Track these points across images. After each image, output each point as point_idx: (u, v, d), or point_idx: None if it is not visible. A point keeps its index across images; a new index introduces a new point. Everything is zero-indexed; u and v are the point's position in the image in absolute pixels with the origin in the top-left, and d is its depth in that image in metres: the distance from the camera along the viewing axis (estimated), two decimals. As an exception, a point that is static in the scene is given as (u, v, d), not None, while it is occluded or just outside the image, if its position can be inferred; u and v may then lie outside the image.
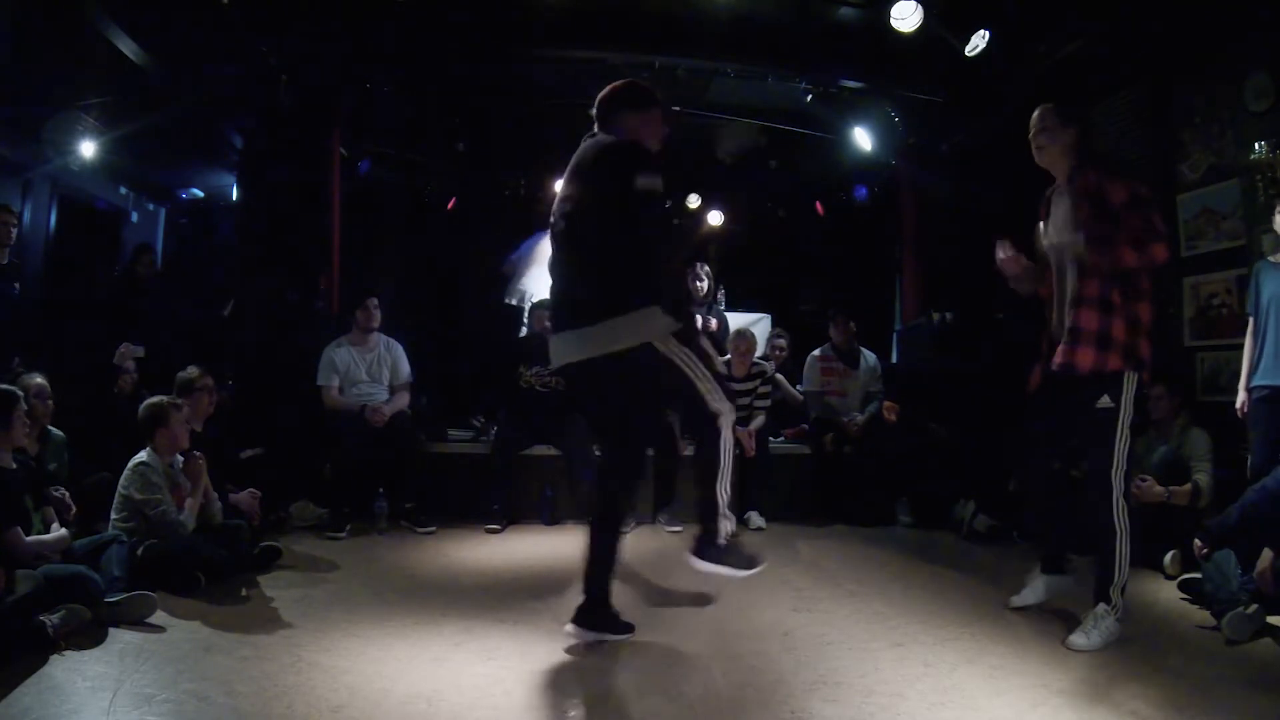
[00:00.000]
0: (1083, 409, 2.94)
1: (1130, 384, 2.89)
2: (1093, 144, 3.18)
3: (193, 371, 4.21)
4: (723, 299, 7.24)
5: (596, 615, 2.80)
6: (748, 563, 2.84)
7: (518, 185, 8.17)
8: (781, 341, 6.60)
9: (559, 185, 2.96)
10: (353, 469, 4.82)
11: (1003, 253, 3.16)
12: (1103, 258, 2.83)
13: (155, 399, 3.69)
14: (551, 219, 2.91)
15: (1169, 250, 2.88)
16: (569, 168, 2.88)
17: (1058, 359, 2.93)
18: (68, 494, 3.41)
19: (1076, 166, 3.00)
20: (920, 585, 3.74)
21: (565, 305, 2.86)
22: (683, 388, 2.77)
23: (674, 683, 2.49)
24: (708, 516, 2.81)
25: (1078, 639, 2.83)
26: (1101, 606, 2.88)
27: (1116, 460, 2.87)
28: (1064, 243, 3.01)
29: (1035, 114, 3.10)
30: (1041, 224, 3.18)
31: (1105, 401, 2.89)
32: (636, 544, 3.98)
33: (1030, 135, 3.10)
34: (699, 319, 5.71)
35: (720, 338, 6.19)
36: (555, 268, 2.91)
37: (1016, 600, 3.31)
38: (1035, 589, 3.31)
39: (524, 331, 6.17)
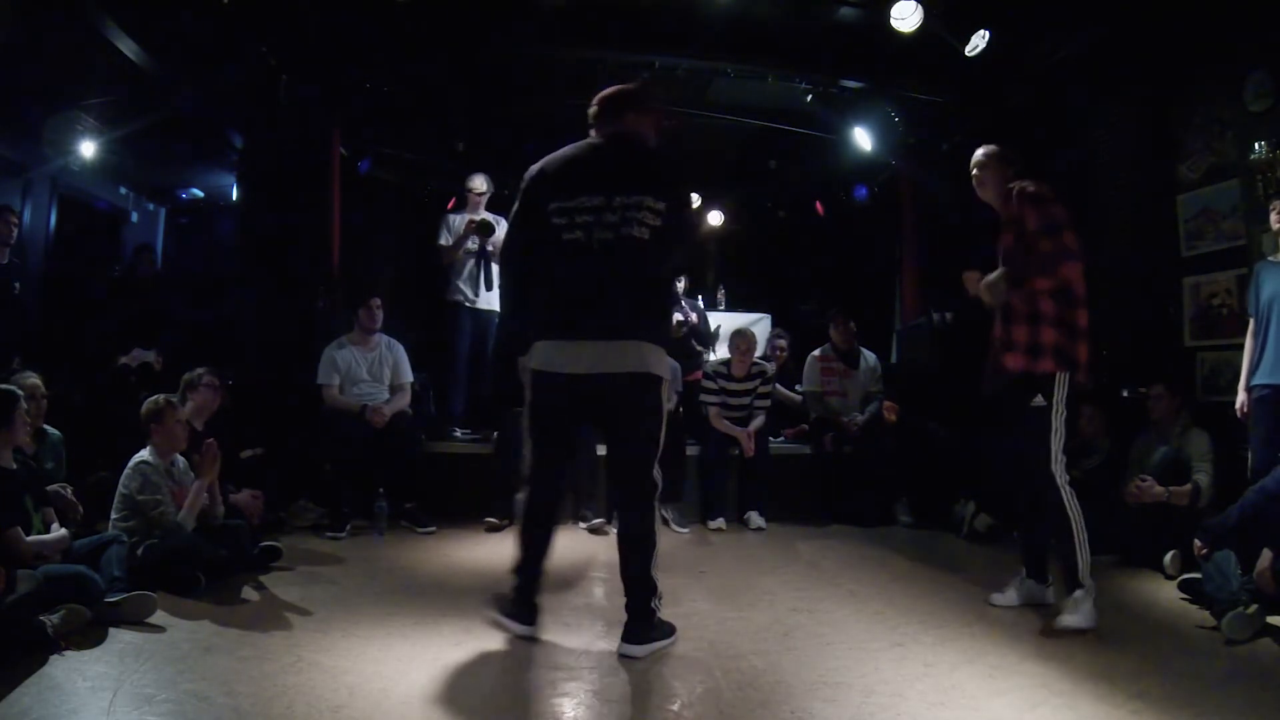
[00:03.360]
0: (1020, 409, 3.19)
1: (1062, 383, 3.11)
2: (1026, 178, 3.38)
3: (197, 370, 4.23)
4: (723, 299, 7.25)
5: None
6: (671, 628, 2.81)
7: (517, 185, 8.18)
8: (782, 342, 6.62)
9: (572, 180, 2.77)
10: (353, 469, 4.82)
11: (967, 280, 3.44)
12: (1020, 286, 3.11)
13: (154, 397, 3.69)
14: (592, 221, 2.67)
15: (1081, 266, 3.09)
16: (610, 167, 2.73)
17: (1003, 364, 3.18)
18: (71, 489, 3.41)
19: (1006, 198, 3.26)
20: (920, 585, 3.74)
21: (596, 312, 2.67)
22: (650, 436, 2.73)
23: (674, 683, 2.49)
24: (644, 597, 2.71)
25: (1068, 618, 2.99)
26: (1078, 592, 3.04)
27: (1054, 453, 3.10)
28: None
29: (979, 152, 3.35)
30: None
31: (1039, 400, 3.13)
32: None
33: (972, 172, 3.36)
34: (677, 314, 5.71)
35: (702, 330, 6.20)
36: (590, 273, 2.67)
37: (997, 598, 3.36)
38: (1017, 591, 3.35)
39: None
